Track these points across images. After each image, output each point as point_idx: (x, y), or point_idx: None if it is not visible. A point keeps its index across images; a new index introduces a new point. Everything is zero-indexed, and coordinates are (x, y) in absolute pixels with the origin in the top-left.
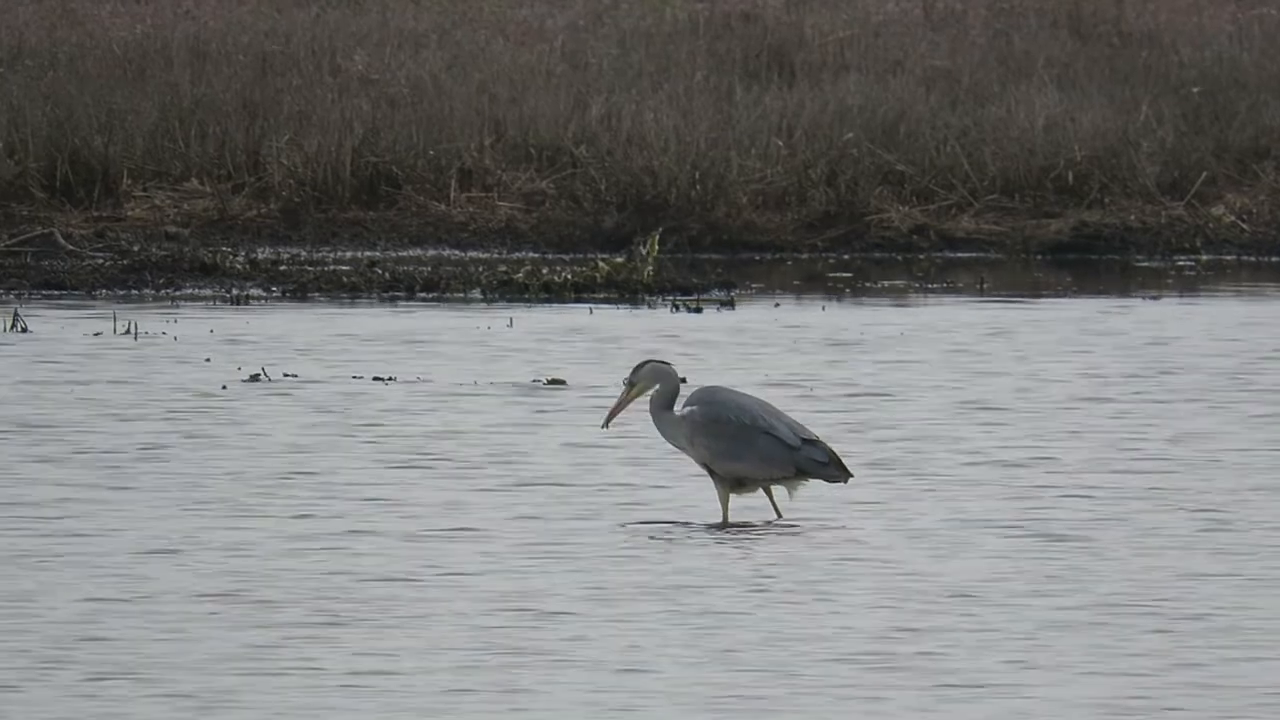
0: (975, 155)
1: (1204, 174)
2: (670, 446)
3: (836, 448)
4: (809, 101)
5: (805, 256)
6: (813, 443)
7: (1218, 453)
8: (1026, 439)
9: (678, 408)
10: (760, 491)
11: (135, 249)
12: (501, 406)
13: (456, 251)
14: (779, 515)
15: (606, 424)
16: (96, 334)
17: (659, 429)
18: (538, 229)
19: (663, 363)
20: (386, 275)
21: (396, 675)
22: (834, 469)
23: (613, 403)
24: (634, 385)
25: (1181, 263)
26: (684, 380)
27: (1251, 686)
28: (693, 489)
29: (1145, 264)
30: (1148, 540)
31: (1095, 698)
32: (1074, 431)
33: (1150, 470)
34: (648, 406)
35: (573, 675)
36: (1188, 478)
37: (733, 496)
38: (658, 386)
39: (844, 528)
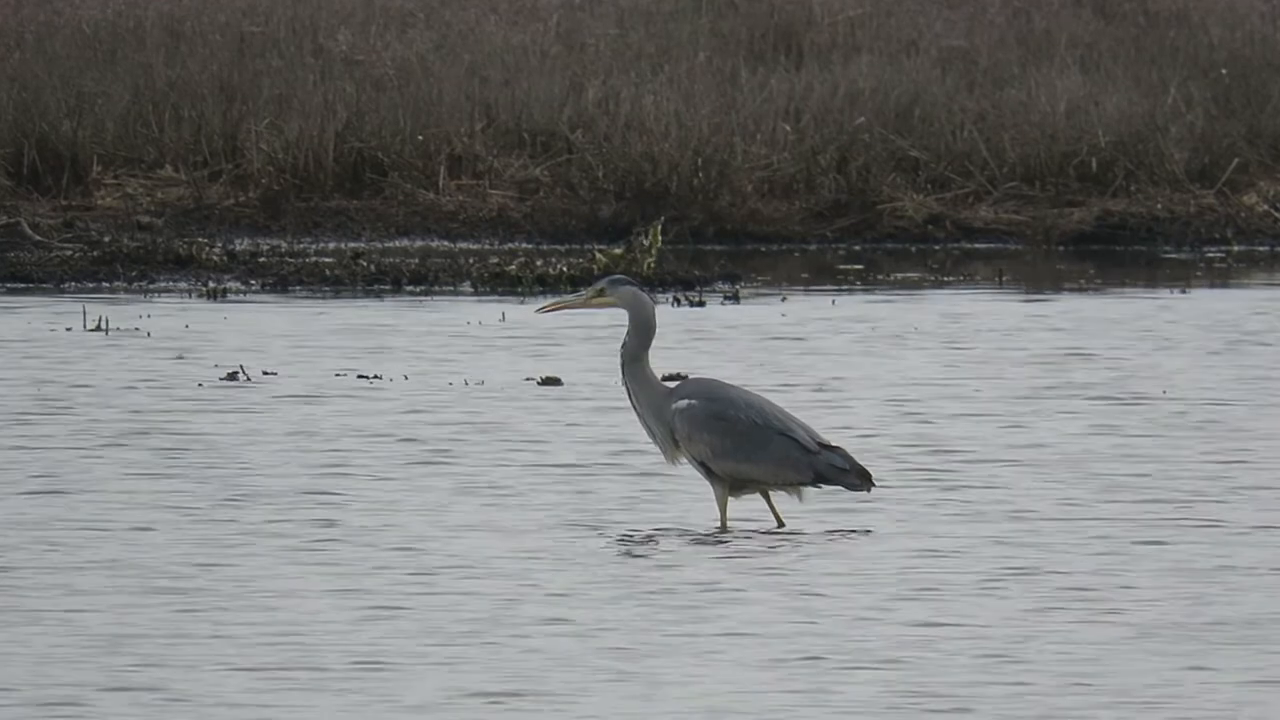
0: (994, 141)
1: (1235, 160)
2: (634, 416)
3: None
4: (818, 84)
5: (814, 247)
6: (831, 448)
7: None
8: (1043, 438)
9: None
10: (759, 496)
11: (106, 240)
12: (493, 406)
13: (445, 242)
14: (780, 523)
15: (544, 310)
16: (66, 329)
17: (630, 385)
18: (531, 219)
19: (642, 289)
20: (372, 267)
21: (387, 676)
22: (855, 476)
23: (563, 301)
24: (600, 294)
25: (1211, 254)
26: (683, 377)
27: None
28: (691, 493)
29: (1173, 255)
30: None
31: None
32: (1095, 425)
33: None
34: (619, 353)
35: (560, 679)
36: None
37: (730, 501)
38: (629, 318)
39: (853, 534)
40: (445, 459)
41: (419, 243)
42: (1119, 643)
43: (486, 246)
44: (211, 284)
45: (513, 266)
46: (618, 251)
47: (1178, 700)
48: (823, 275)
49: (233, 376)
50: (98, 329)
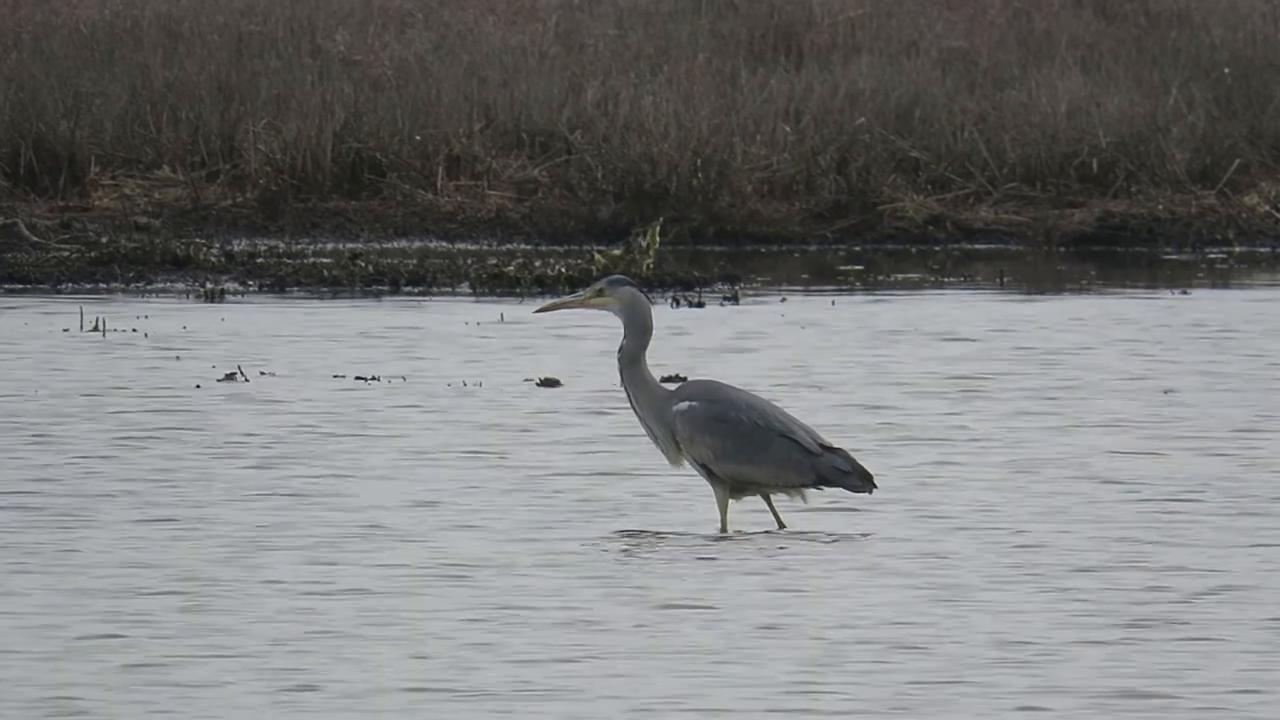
0: (994, 141)
1: (1237, 161)
2: (634, 418)
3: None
4: (818, 84)
5: (813, 248)
6: (832, 450)
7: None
8: (1051, 437)
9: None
10: (760, 498)
11: (103, 240)
12: (491, 408)
13: (444, 243)
14: (781, 525)
15: (542, 310)
16: (63, 330)
17: (629, 389)
18: (530, 219)
19: (641, 290)
20: (370, 268)
21: (383, 677)
22: (857, 478)
23: (562, 301)
24: (599, 294)
25: (1213, 255)
26: (683, 378)
27: None
28: (691, 494)
29: (1174, 256)
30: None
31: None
32: (1103, 425)
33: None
34: (616, 357)
35: (557, 680)
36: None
37: (731, 503)
38: (625, 321)
39: (854, 535)
40: (442, 460)
41: (417, 243)
42: (1117, 643)
43: (485, 247)
44: (209, 285)
45: (511, 267)
46: (616, 252)
47: (1176, 700)
48: (823, 276)
49: (230, 377)
50: (95, 330)
